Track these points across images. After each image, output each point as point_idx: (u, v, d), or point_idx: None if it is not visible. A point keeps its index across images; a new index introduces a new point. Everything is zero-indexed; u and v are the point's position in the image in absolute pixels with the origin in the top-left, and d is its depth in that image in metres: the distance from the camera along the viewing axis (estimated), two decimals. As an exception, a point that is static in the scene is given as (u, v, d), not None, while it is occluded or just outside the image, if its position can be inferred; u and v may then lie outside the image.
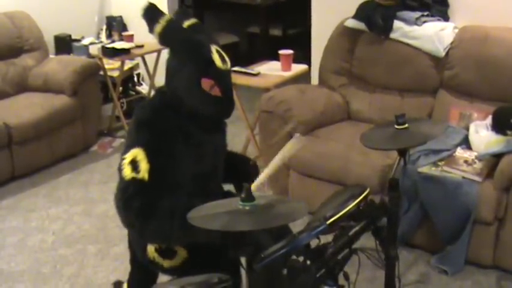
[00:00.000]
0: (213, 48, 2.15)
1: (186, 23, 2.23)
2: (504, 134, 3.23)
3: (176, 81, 2.17)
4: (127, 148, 2.12)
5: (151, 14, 2.11)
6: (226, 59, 2.18)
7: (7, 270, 3.32)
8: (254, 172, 2.49)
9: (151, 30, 2.11)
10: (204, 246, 2.14)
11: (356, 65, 4.05)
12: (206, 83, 2.12)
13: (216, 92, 2.13)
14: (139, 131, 2.15)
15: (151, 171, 2.05)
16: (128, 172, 2.06)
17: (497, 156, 3.13)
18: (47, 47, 5.07)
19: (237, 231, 1.70)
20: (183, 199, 2.07)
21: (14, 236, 3.66)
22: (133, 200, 2.05)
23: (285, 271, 1.82)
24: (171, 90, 2.20)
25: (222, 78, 2.15)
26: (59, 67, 4.76)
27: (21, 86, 4.79)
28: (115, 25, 5.74)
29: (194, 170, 2.18)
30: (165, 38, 2.12)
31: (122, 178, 2.08)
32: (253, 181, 2.43)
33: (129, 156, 2.08)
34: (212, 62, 2.12)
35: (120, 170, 2.09)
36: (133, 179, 2.05)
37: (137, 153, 2.07)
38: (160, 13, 2.11)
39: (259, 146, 4.14)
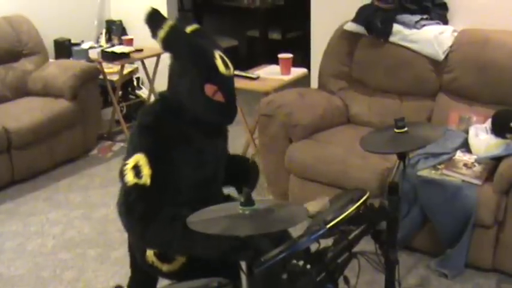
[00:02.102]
0: (217, 53, 2.14)
1: (189, 29, 2.22)
2: (503, 137, 3.24)
3: (179, 86, 2.16)
4: (129, 153, 2.12)
5: (154, 19, 2.11)
6: (230, 64, 2.17)
7: (7, 275, 3.32)
8: (253, 170, 2.50)
9: (154, 36, 2.10)
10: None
11: (355, 68, 4.05)
12: (209, 89, 2.11)
13: (219, 97, 2.13)
14: (141, 136, 2.15)
15: (153, 177, 2.06)
16: (130, 177, 2.06)
17: (497, 160, 3.13)
18: (46, 51, 5.07)
19: (236, 235, 1.69)
20: (184, 206, 2.07)
21: (14, 240, 3.66)
22: (135, 205, 2.05)
23: (285, 275, 1.81)
24: (173, 96, 2.20)
25: (225, 84, 2.15)
26: (59, 71, 4.76)
27: (21, 90, 4.79)
28: (114, 29, 5.74)
29: (195, 175, 2.18)
30: (168, 44, 2.11)
31: (124, 183, 2.08)
32: (253, 179, 2.46)
33: (131, 162, 2.08)
34: (215, 67, 2.12)
35: (122, 175, 2.10)
36: (136, 185, 2.05)
37: (139, 158, 2.08)
38: (163, 18, 2.11)
39: (258, 150, 4.14)
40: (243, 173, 2.47)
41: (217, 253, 2.02)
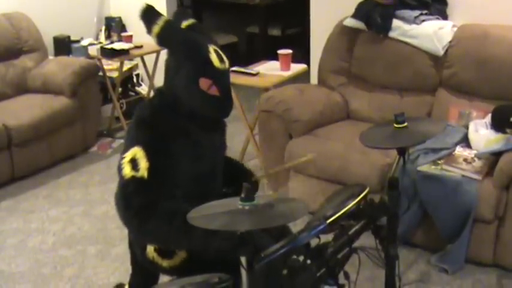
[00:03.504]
0: (211, 47, 2.15)
1: (184, 23, 2.24)
2: (503, 132, 3.24)
3: (175, 81, 2.18)
4: (126, 147, 2.14)
5: (149, 15, 2.13)
6: (225, 58, 2.19)
7: (7, 272, 3.33)
8: (254, 188, 2.49)
9: (149, 32, 2.12)
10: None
11: (355, 64, 4.05)
12: (204, 83, 2.13)
13: (214, 91, 2.14)
14: (138, 130, 2.16)
15: (150, 170, 2.06)
16: (127, 171, 2.07)
17: (497, 155, 3.13)
18: (46, 48, 5.07)
19: (236, 231, 1.70)
20: (182, 201, 2.08)
21: (14, 238, 3.67)
22: (133, 199, 2.06)
23: (285, 270, 1.82)
24: (170, 90, 2.21)
25: (220, 77, 2.16)
26: (58, 68, 4.76)
27: (21, 88, 4.79)
28: (114, 26, 5.74)
29: (193, 169, 2.19)
30: (162, 39, 2.13)
31: (121, 177, 2.09)
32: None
33: (128, 155, 2.09)
34: (210, 61, 2.13)
35: (120, 169, 2.11)
36: (133, 178, 2.06)
37: (137, 151, 2.09)
38: (158, 14, 2.13)
39: (258, 145, 4.14)
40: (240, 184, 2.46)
41: (216, 248, 2.02)
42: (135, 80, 5.68)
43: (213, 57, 2.13)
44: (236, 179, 2.43)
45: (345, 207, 1.98)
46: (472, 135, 3.32)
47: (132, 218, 2.07)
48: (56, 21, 5.39)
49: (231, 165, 2.49)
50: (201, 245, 2.04)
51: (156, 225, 2.05)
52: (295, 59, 4.28)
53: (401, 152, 2.34)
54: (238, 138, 4.54)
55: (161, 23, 2.10)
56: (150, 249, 2.24)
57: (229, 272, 1.83)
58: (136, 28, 5.39)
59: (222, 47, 2.23)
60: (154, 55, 5.25)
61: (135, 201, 2.05)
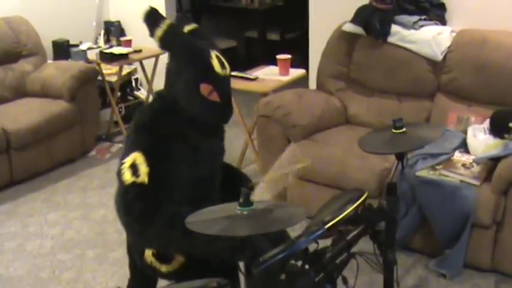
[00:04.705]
0: (213, 53, 2.16)
1: (187, 28, 2.25)
2: (502, 137, 3.24)
3: (175, 85, 2.18)
4: (126, 152, 2.13)
5: (152, 18, 2.13)
6: (226, 64, 2.19)
7: (6, 276, 3.32)
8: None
9: (152, 34, 2.12)
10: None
11: (354, 69, 4.06)
12: (205, 88, 2.13)
13: (215, 97, 2.14)
14: (138, 135, 2.16)
15: (151, 175, 2.06)
16: (128, 176, 2.07)
17: (495, 160, 3.13)
18: (45, 52, 5.07)
19: (235, 236, 1.70)
20: (183, 205, 2.08)
21: (13, 241, 3.66)
22: (133, 204, 2.06)
23: (283, 276, 1.82)
24: (170, 95, 2.21)
25: (221, 83, 2.16)
26: (57, 72, 4.76)
27: (19, 91, 4.79)
28: (113, 30, 5.74)
29: (192, 173, 2.19)
30: (165, 43, 2.13)
31: (122, 182, 2.09)
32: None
33: (128, 160, 2.09)
34: (211, 67, 2.13)
35: (119, 174, 2.10)
36: (134, 183, 2.06)
37: (137, 156, 2.09)
38: (162, 17, 2.13)
39: (257, 150, 4.14)
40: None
41: (216, 253, 2.02)
42: (134, 84, 5.68)
43: (215, 62, 2.14)
44: (232, 183, 2.43)
45: (343, 212, 1.98)
46: (470, 141, 3.33)
47: (134, 223, 2.07)
48: (55, 25, 5.39)
49: (227, 169, 2.49)
50: (201, 250, 2.04)
51: (157, 230, 2.05)
52: (294, 63, 4.29)
53: (400, 157, 2.35)
54: (237, 143, 4.54)
55: (164, 26, 2.10)
56: (148, 254, 2.24)
57: (228, 277, 1.83)
58: (135, 32, 5.41)
59: (220, 52, 2.23)
60: (153, 59, 5.25)
61: (137, 207, 2.05)
